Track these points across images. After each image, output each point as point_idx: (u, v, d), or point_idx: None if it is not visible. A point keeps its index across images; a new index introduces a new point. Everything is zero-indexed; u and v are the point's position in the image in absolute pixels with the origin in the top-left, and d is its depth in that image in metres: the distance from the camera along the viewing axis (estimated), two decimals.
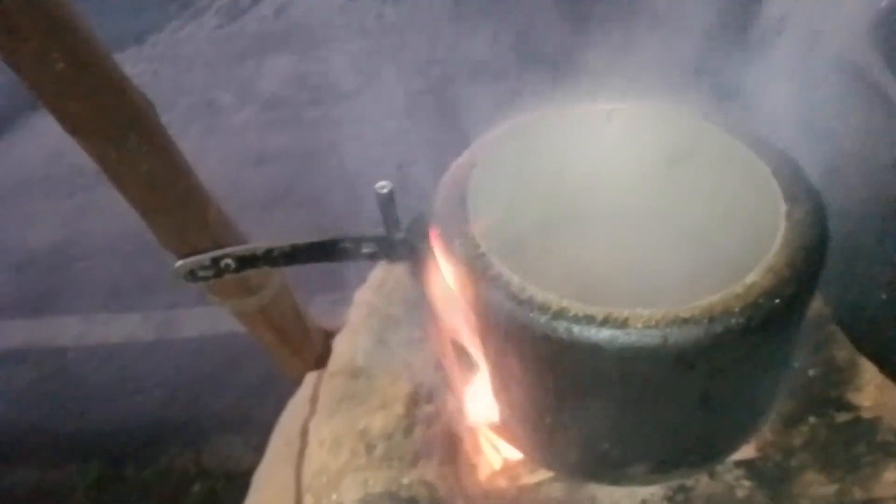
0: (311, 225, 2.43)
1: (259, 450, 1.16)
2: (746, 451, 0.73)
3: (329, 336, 1.49)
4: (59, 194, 2.99)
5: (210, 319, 2.27)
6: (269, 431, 1.13)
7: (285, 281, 1.39)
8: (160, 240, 1.22)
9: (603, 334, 0.54)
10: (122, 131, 1.05)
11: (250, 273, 0.67)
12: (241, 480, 1.09)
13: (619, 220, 0.78)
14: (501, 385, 0.65)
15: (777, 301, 0.55)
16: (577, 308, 0.56)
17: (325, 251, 0.67)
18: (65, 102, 0.99)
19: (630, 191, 0.78)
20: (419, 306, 0.85)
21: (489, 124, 0.76)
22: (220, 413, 2.04)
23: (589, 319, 0.55)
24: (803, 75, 0.74)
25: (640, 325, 0.54)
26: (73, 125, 1.04)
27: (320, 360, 1.32)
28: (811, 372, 0.78)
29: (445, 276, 0.64)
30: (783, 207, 0.62)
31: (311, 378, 1.04)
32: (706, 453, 0.68)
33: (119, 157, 1.08)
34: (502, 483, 0.72)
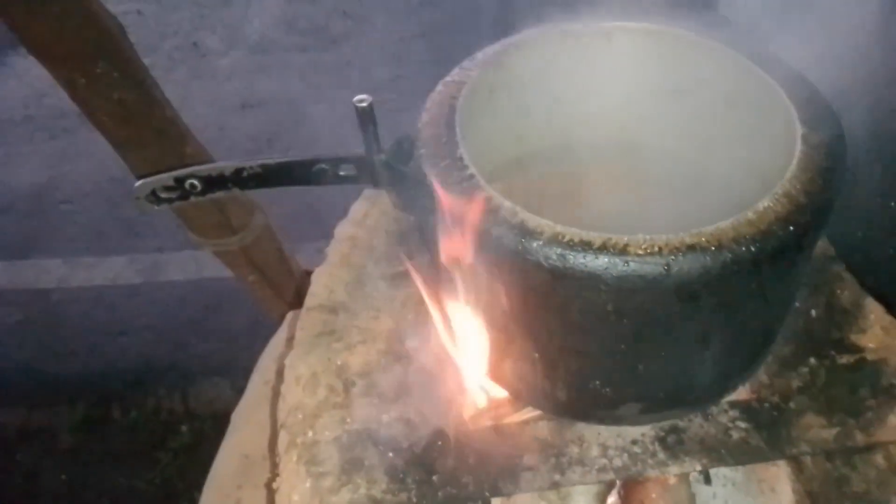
0: None
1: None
2: (741, 394, 0.70)
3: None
4: (41, 136, 2.90)
5: (196, 263, 2.24)
6: None
7: (268, 223, 1.35)
8: (135, 173, 1.17)
9: (600, 262, 0.50)
10: (90, 55, 0.98)
11: (218, 196, 0.61)
12: (227, 422, 1.08)
13: (621, 148, 0.73)
14: (489, 318, 0.61)
15: (792, 228, 0.51)
16: (572, 234, 0.51)
17: (299, 173, 0.62)
18: (27, 20, 0.93)
19: (634, 116, 0.72)
20: (403, 238, 0.80)
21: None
22: (206, 355, 2.03)
23: (585, 246, 0.50)
24: None
25: (640, 252, 0.50)
26: (37, 46, 0.98)
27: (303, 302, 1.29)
28: (813, 312, 0.75)
29: (431, 200, 0.59)
30: (800, 131, 0.57)
31: (290, 317, 1.01)
32: (701, 393, 0.65)
33: (88, 84, 1.02)
34: (486, 422, 0.69)
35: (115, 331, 2.16)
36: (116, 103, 1.05)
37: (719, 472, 0.69)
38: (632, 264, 0.49)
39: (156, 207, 0.60)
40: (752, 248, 0.49)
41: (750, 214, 0.51)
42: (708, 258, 0.49)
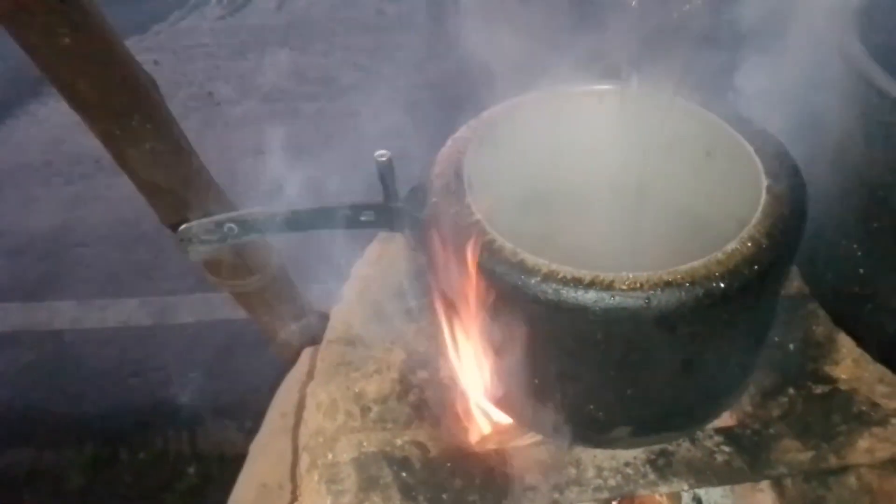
0: None
1: (253, 433, 1.18)
2: (726, 421, 0.76)
3: (325, 319, 1.52)
4: (58, 181, 3.00)
5: (206, 306, 2.29)
6: (264, 415, 1.15)
7: (283, 264, 1.42)
8: (161, 218, 1.24)
9: (589, 296, 0.57)
10: (126, 109, 1.07)
11: (252, 239, 0.69)
12: (235, 463, 1.11)
13: (609, 196, 0.81)
14: (492, 349, 0.68)
15: (756, 268, 0.58)
16: (565, 271, 0.58)
17: (325, 218, 0.70)
18: (71, 78, 1.01)
19: (620, 169, 0.80)
20: (415, 277, 0.88)
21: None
22: (215, 397, 2.06)
23: (576, 282, 0.58)
24: (787, 59, 0.77)
25: (624, 288, 0.57)
26: (78, 102, 1.06)
27: (316, 342, 1.35)
28: (790, 346, 0.81)
29: (442, 243, 0.66)
30: (764, 182, 0.65)
31: (307, 353, 1.07)
32: (688, 418, 0.71)
33: (123, 136, 1.10)
34: (491, 445, 0.75)
35: (125, 372, 2.19)
36: (148, 152, 1.13)
37: (710, 498, 0.75)
38: (617, 298, 0.57)
39: (198, 249, 0.68)
40: (721, 285, 0.56)
41: (719, 255, 0.58)
42: (683, 293, 0.56)
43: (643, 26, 0.82)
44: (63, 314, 2.42)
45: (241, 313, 1.46)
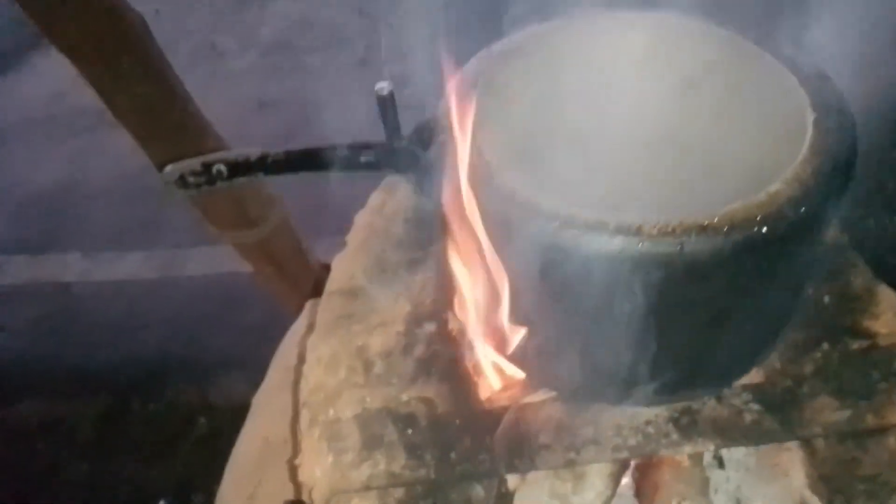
0: None
1: None
2: (754, 377, 0.71)
3: (329, 271, 1.48)
4: (63, 134, 2.95)
5: (214, 259, 2.26)
6: None
7: (286, 216, 1.37)
8: (157, 167, 1.19)
9: (614, 243, 0.52)
10: (114, 51, 1.01)
11: (243, 181, 0.63)
12: (245, 414, 1.09)
13: (637, 133, 0.74)
14: (505, 301, 0.63)
15: (802, 210, 0.52)
16: (586, 215, 0.53)
17: (322, 159, 0.64)
18: (55, 19, 0.95)
19: (651, 103, 0.73)
20: (421, 225, 0.82)
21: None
22: (224, 349, 2.05)
23: (599, 227, 0.52)
24: None
25: (654, 233, 0.51)
26: (64, 44, 1.00)
27: (320, 294, 1.31)
28: (826, 299, 0.75)
29: (450, 186, 0.60)
30: (811, 116, 0.58)
31: (310, 305, 1.03)
32: (715, 374, 0.66)
33: (112, 79, 1.04)
34: (503, 402, 0.70)
35: (134, 324, 2.19)
36: (140, 97, 1.07)
37: (732, 457, 0.70)
38: (646, 244, 0.51)
39: (183, 192, 0.62)
40: (763, 230, 0.50)
41: (761, 196, 0.52)
42: (720, 238, 0.50)
43: None
44: (70, 267, 2.42)
45: (247, 265, 1.43)
